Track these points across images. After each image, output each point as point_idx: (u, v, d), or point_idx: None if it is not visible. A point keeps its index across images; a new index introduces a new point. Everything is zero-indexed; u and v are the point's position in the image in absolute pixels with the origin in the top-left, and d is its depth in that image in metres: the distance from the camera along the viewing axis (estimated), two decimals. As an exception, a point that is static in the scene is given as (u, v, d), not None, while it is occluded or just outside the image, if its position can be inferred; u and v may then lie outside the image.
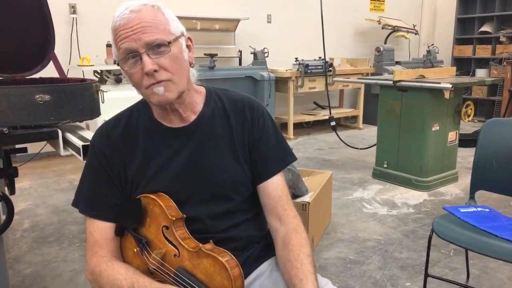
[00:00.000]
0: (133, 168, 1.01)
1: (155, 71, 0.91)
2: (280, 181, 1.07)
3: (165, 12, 0.95)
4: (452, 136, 3.39)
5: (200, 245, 0.93)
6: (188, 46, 1.00)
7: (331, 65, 5.17)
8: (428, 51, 6.27)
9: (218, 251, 0.91)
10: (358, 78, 4.83)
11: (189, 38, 1.00)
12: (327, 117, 4.79)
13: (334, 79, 4.98)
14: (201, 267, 0.91)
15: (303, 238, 1.01)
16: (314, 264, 0.98)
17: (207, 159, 1.02)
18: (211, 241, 0.94)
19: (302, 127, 5.71)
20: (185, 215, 0.98)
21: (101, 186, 1.01)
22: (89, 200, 1.02)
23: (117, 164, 1.01)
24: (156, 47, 0.91)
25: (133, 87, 0.98)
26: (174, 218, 0.95)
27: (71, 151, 1.53)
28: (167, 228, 0.96)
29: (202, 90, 1.08)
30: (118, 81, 3.79)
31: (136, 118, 1.05)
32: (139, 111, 1.06)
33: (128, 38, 0.90)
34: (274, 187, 1.05)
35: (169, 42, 0.92)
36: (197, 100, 1.05)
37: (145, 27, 0.90)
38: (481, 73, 6.20)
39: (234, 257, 0.91)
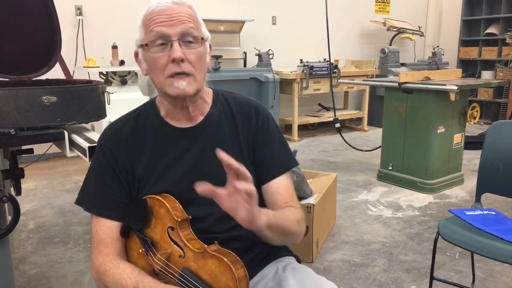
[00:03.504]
0: (141, 168, 1.02)
1: (182, 60, 0.94)
2: (284, 181, 1.08)
3: (198, 14, 1.00)
4: (457, 138, 3.38)
5: (205, 246, 0.93)
6: (208, 51, 1.03)
7: (336, 66, 5.17)
8: (434, 53, 6.24)
9: (223, 251, 0.91)
10: (363, 80, 4.81)
11: (209, 45, 1.03)
12: (331, 119, 4.77)
13: (339, 80, 4.97)
14: (206, 268, 0.91)
15: (296, 212, 1.04)
16: (292, 221, 1.00)
17: (213, 160, 1.02)
18: (216, 242, 0.94)
19: (306, 129, 5.70)
20: (190, 216, 0.98)
21: (109, 185, 1.02)
22: (96, 199, 1.02)
23: (125, 164, 1.02)
24: (188, 40, 0.95)
25: (149, 75, 0.99)
26: (179, 219, 0.95)
27: (77, 153, 1.53)
28: (172, 229, 0.96)
29: (210, 91, 1.10)
30: (123, 82, 3.80)
31: (144, 119, 1.06)
32: (147, 111, 1.07)
33: (165, 23, 0.93)
34: (277, 187, 1.06)
35: (202, 39, 0.97)
36: (206, 101, 1.07)
37: (183, 19, 0.94)
38: (487, 75, 6.17)
39: (239, 258, 0.91)
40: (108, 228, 1.01)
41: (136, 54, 1.03)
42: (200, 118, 1.05)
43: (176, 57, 0.92)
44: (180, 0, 0.96)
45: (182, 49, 0.93)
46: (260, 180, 1.07)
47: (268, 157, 1.07)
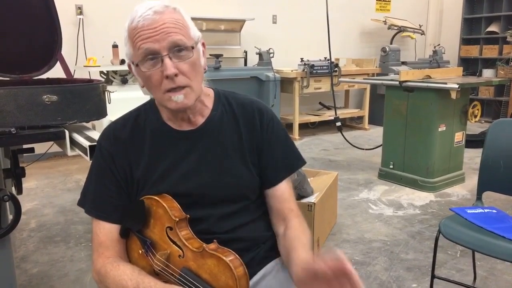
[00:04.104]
0: (140, 170, 1.01)
1: (176, 75, 0.90)
2: (287, 184, 1.07)
3: (185, 16, 0.95)
4: (458, 136, 3.37)
5: (204, 245, 0.93)
6: (202, 52, 0.99)
7: (336, 65, 5.16)
8: (435, 51, 6.23)
9: (222, 250, 0.91)
10: (364, 79, 4.82)
11: (203, 43, 1.00)
12: (332, 118, 4.78)
13: (339, 79, 4.97)
14: (205, 267, 0.91)
15: (304, 225, 1.03)
16: (311, 244, 0.99)
17: (214, 163, 1.02)
18: (215, 241, 0.93)
19: (307, 128, 5.70)
20: (188, 216, 0.98)
21: (108, 187, 1.01)
22: (96, 201, 1.02)
23: (123, 165, 1.01)
24: (178, 51, 0.91)
25: (147, 89, 0.97)
26: (177, 219, 0.95)
27: (78, 151, 1.54)
28: (171, 229, 0.96)
29: (211, 92, 1.08)
30: (124, 81, 3.80)
31: (144, 119, 1.04)
32: (147, 111, 1.05)
33: (151, 38, 0.89)
34: (282, 191, 1.06)
35: (192, 47, 0.92)
36: (206, 103, 1.04)
37: (169, 30, 0.89)
38: (488, 73, 6.16)
39: (238, 257, 0.91)
40: (107, 230, 1.00)
41: (129, 66, 0.99)
42: (201, 121, 1.03)
43: (169, 74, 0.89)
44: (162, 7, 0.90)
45: (173, 63, 0.90)
46: (266, 183, 1.06)
47: (274, 160, 1.06)
